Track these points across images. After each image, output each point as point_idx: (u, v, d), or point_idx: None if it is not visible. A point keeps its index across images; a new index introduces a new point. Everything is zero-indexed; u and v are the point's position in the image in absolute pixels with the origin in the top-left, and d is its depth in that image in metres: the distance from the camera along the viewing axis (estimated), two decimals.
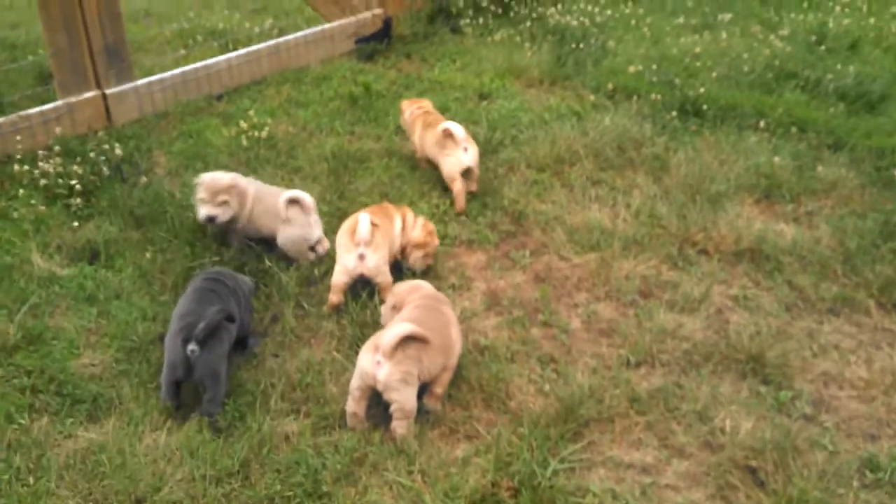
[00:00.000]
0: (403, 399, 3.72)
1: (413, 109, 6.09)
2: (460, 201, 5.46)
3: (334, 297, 4.55)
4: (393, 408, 3.75)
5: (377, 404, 3.88)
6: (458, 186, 5.47)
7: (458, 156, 5.49)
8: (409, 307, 4.05)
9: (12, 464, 3.62)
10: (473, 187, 5.63)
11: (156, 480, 3.54)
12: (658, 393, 4.05)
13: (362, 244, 4.48)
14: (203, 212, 4.82)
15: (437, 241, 4.92)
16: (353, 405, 3.81)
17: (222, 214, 4.83)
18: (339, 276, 4.54)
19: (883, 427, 3.91)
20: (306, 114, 6.69)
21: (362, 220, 4.49)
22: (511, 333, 4.46)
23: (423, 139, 5.82)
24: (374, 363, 3.70)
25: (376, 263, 4.53)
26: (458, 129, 5.52)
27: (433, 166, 5.79)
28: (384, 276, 4.57)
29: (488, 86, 7.21)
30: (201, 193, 4.84)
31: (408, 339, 3.71)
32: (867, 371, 4.22)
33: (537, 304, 4.67)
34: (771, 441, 3.74)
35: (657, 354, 4.29)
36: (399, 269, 4.84)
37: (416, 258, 4.85)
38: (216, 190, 4.82)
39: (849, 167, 5.94)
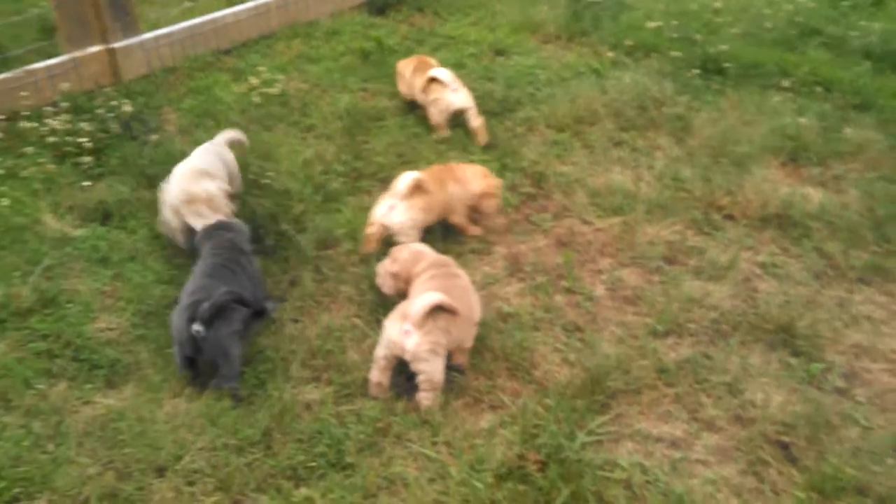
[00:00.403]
0: (432, 370, 3.64)
1: (408, 60, 6.10)
2: (481, 135, 5.62)
3: (364, 247, 4.57)
4: (420, 378, 3.67)
5: (400, 373, 3.80)
6: (442, 134, 5.63)
7: (447, 97, 5.57)
8: (424, 278, 3.93)
9: (32, 430, 3.55)
10: (482, 136, 5.65)
11: (177, 448, 3.47)
12: (686, 364, 3.97)
13: (396, 196, 4.44)
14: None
15: (496, 180, 4.87)
16: (378, 374, 3.73)
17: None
18: (370, 226, 4.55)
19: None
20: (318, 69, 6.52)
21: (406, 176, 4.47)
22: (534, 300, 4.37)
23: (414, 80, 5.86)
24: (402, 332, 3.61)
25: (401, 221, 4.47)
26: (443, 73, 5.60)
27: (421, 107, 5.89)
28: (406, 237, 4.47)
29: (504, 41, 7.03)
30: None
31: (437, 310, 3.61)
32: None
33: (560, 269, 4.57)
34: (803, 415, 3.67)
35: (685, 324, 4.20)
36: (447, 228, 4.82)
37: (489, 206, 4.79)
38: None
39: (877, 129, 5.80)
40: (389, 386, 3.78)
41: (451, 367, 3.84)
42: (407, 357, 3.63)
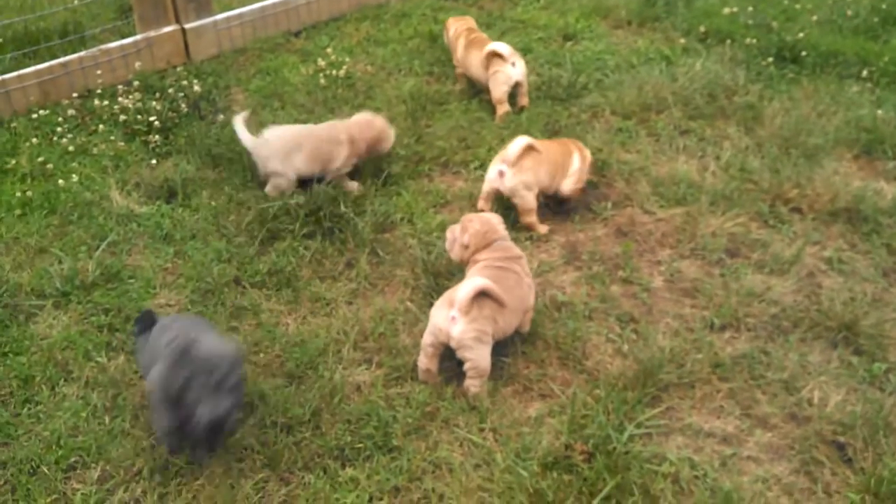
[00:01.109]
0: (478, 357, 3.63)
1: (457, 26, 6.16)
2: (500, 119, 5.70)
3: (479, 203, 4.78)
4: (467, 366, 3.66)
5: (450, 358, 3.80)
6: (503, 109, 5.68)
7: (507, 70, 5.59)
8: (478, 267, 3.91)
9: (90, 401, 3.67)
10: (524, 101, 5.79)
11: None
12: (742, 359, 3.88)
13: (506, 162, 4.56)
14: None
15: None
16: (426, 361, 3.74)
17: None
18: (483, 188, 4.76)
19: None
20: (385, 52, 6.54)
21: (518, 140, 4.58)
22: (590, 290, 4.32)
23: (466, 59, 5.92)
24: (448, 319, 3.60)
25: (513, 185, 4.59)
26: (503, 46, 5.62)
27: (473, 83, 5.99)
28: (521, 199, 4.63)
29: (573, 26, 6.94)
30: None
31: (483, 299, 3.60)
32: None
33: (618, 259, 4.51)
34: (861, 416, 3.56)
35: (743, 318, 4.10)
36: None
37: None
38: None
39: None
40: (439, 371, 3.78)
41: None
42: (453, 344, 3.62)
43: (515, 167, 4.57)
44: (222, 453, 3.44)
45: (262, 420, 3.57)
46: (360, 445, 3.50)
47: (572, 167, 4.78)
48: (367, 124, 5.05)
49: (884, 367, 3.83)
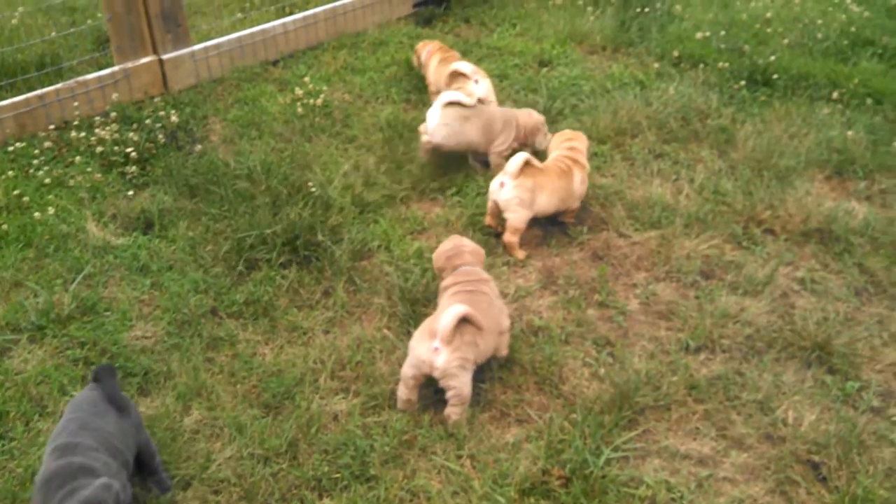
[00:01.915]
0: (461, 385, 3.64)
1: (430, 48, 6.31)
2: None
3: (486, 219, 4.90)
4: (450, 394, 3.66)
5: (427, 386, 3.81)
6: None
7: (469, 88, 5.61)
8: (449, 294, 3.93)
9: None
10: None
11: (204, 458, 3.54)
12: (717, 380, 3.91)
13: (507, 174, 4.68)
14: None
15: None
16: (407, 392, 3.73)
17: None
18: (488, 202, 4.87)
19: None
20: (362, 80, 6.58)
21: (518, 156, 4.69)
22: (566, 314, 4.34)
23: (440, 78, 6.00)
24: (430, 350, 3.60)
25: (507, 198, 4.68)
26: (465, 65, 5.73)
27: None
28: (513, 214, 4.70)
29: (549, 52, 7.01)
30: None
31: (463, 325, 3.62)
32: None
33: (594, 283, 4.54)
34: (835, 435, 3.59)
35: (718, 340, 4.13)
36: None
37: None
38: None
39: None
40: (417, 400, 3.79)
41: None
42: (436, 374, 3.62)
43: (517, 180, 4.66)
44: (198, 486, 3.43)
45: (238, 452, 3.57)
46: (338, 475, 3.50)
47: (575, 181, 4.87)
48: (528, 114, 5.49)
49: (857, 386, 3.87)
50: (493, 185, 4.76)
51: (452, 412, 3.69)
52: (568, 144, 5.00)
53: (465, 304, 3.69)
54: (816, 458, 3.53)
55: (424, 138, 5.36)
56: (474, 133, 5.31)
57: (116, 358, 4.01)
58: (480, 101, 5.71)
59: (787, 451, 3.56)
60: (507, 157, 4.93)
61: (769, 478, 3.48)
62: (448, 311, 3.62)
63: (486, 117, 5.35)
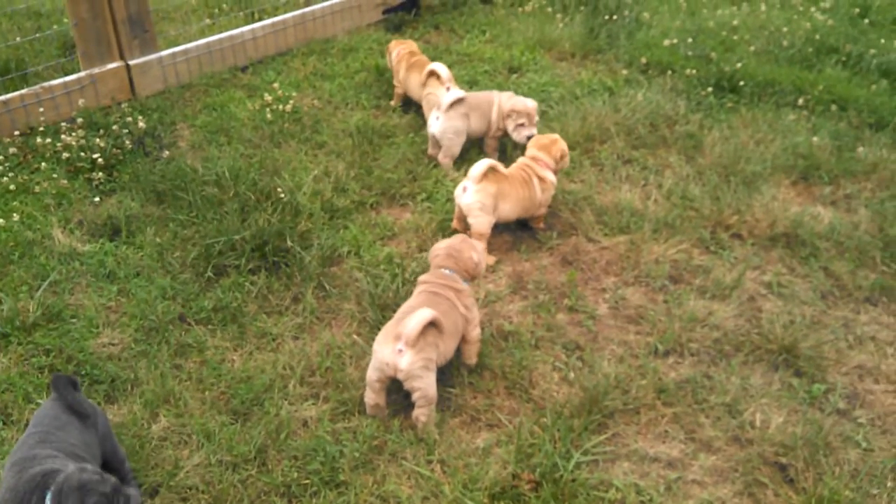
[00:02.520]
0: (426, 385, 3.63)
1: (400, 49, 6.37)
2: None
3: (454, 223, 4.93)
4: (416, 396, 3.66)
5: (398, 391, 3.80)
6: None
7: (439, 94, 5.66)
8: (416, 293, 3.95)
9: None
10: None
11: (172, 466, 3.50)
12: (686, 384, 3.94)
13: (471, 179, 4.69)
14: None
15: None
16: (374, 396, 3.72)
17: None
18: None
19: None
20: (332, 87, 6.57)
21: (481, 162, 4.71)
22: (536, 318, 4.35)
23: (407, 80, 6.17)
24: (394, 353, 3.60)
25: (468, 202, 4.70)
26: (443, 69, 5.73)
27: (415, 105, 6.23)
28: (475, 218, 4.70)
29: (518, 59, 7.04)
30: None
31: (427, 327, 3.62)
32: None
33: (564, 287, 4.56)
34: (802, 437, 3.63)
35: (686, 343, 4.16)
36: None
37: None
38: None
39: (891, 148, 5.74)
40: (386, 405, 3.78)
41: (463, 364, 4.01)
42: (400, 376, 3.61)
43: (479, 185, 4.67)
44: (166, 493, 3.40)
45: (206, 458, 3.53)
46: (307, 481, 3.47)
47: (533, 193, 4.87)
48: (520, 100, 5.52)
49: (823, 388, 3.91)
50: (458, 189, 4.78)
51: (420, 413, 3.69)
52: (532, 153, 4.98)
53: (426, 305, 3.70)
54: (784, 460, 3.57)
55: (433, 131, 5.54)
56: (476, 123, 5.55)
57: (83, 365, 3.96)
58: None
59: (754, 454, 3.59)
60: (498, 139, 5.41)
61: (737, 480, 3.51)
62: (415, 316, 3.61)
63: (481, 103, 5.54)
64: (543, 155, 4.96)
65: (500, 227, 4.87)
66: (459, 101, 5.42)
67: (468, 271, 4.03)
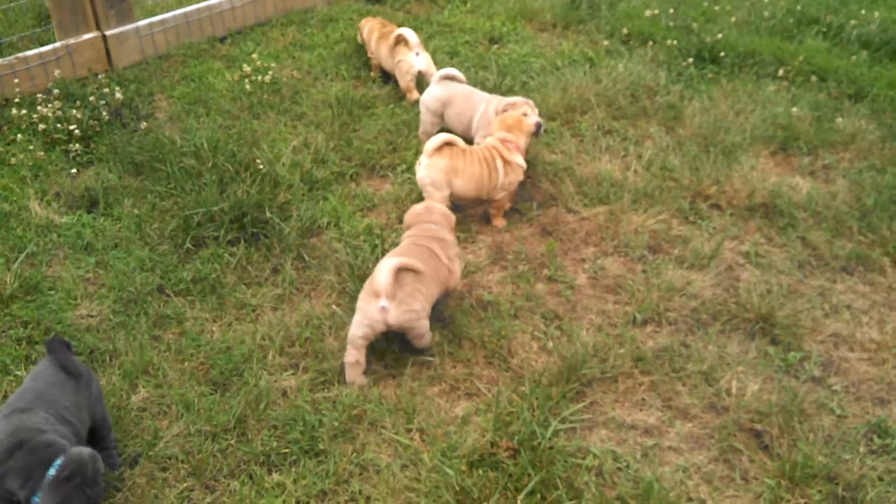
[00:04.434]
0: (420, 327, 3.81)
1: (371, 24, 6.40)
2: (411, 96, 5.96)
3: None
4: (411, 335, 3.84)
5: (377, 360, 3.81)
6: (412, 97, 5.93)
7: (410, 59, 5.85)
8: (397, 247, 4.07)
9: None
10: None
11: (151, 436, 3.50)
12: (664, 352, 3.97)
13: (426, 154, 4.69)
14: None
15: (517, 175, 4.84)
16: (356, 354, 3.78)
17: None
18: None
19: (893, 391, 3.82)
20: (311, 57, 6.53)
21: (437, 136, 4.69)
22: (515, 288, 4.37)
23: (378, 51, 6.18)
24: (379, 310, 3.68)
25: (421, 176, 4.70)
26: (411, 34, 5.85)
27: (387, 75, 6.26)
28: (427, 194, 4.70)
29: (499, 29, 7.01)
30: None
31: (402, 276, 3.71)
32: (879, 332, 4.12)
33: (543, 258, 4.57)
34: (777, 404, 3.66)
35: (664, 312, 4.19)
36: None
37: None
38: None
39: (869, 119, 5.76)
40: (366, 362, 3.82)
41: (438, 320, 4.08)
42: (393, 329, 3.77)
43: (429, 159, 4.67)
44: (145, 462, 3.40)
45: (186, 429, 3.54)
46: (287, 450, 3.49)
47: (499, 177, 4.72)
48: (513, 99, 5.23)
49: (798, 356, 3.95)
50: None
51: (421, 343, 3.90)
52: (501, 136, 4.81)
53: (404, 255, 3.80)
54: (759, 427, 3.60)
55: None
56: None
57: (61, 337, 3.94)
58: (421, 73, 5.78)
59: (730, 421, 3.63)
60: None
61: (713, 446, 3.55)
62: (381, 268, 3.68)
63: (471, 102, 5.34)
64: (513, 136, 4.82)
65: (458, 208, 4.81)
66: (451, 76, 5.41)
67: (450, 227, 4.21)
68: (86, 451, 2.90)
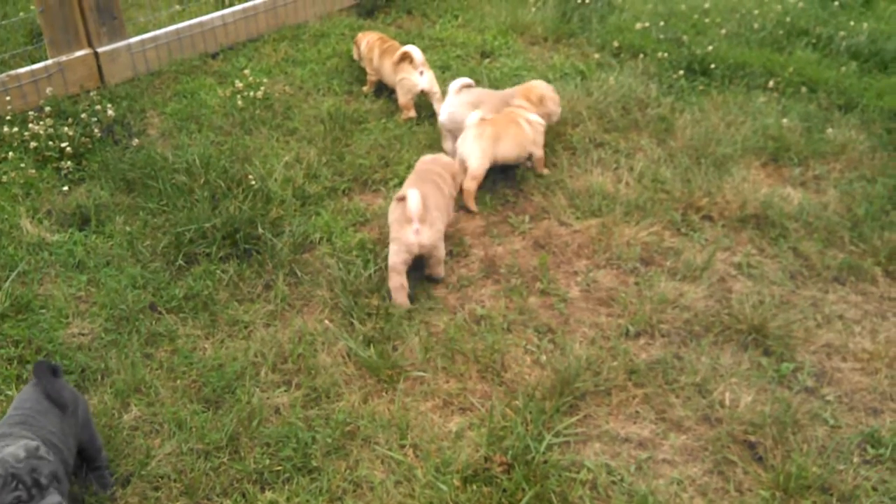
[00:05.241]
0: (440, 248, 4.37)
1: (369, 38, 6.37)
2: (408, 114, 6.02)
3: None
4: (432, 261, 4.37)
5: (369, 376, 3.80)
6: (407, 115, 5.98)
7: (413, 78, 5.88)
8: (408, 179, 4.66)
9: None
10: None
11: (143, 455, 3.49)
12: (657, 365, 3.96)
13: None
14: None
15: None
16: (399, 279, 4.24)
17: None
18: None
19: (886, 401, 3.82)
20: (303, 73, 6.53)
21: (471, 114, 5.17)
22: (508, 302, 4.37)
23: (382, 66, 6.15)
24: (414, 233, 4.20)
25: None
26: (417, 52, 5.87)
27: (387, 90, 6.28)
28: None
29: (491, 43, 7.03)
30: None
31: (427, 201, 4.24)
32: (871, 342, 4.12)
33: (536, 271, 4.57)
34: (771, 415, 3.66)
35: (657, 325, 4.19)
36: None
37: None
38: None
39: (859, 129, 5.78)
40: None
41: (429, 279, 4.48)
42: (424, 252, 4.27)
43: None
44: (137, 482, 3.39)
45: (178, 447, 3.53)
46: (279, 468, 3.48)
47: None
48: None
49: (791, 367, 3.95)
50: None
51: (438, 271, 4.45)
52: (519, 103, 5.40)
53: (413, 186, 4.33)
54: (753, 438, 3.60)
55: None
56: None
57: (53, 356, 3.94)
58: (423, 92, 5.79)
59: (724, 432, 3.63)
60: None
61: (707, 458, 3.54)
62: (410, 197, 4.17)
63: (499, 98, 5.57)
64: (527, 105, 5.36)
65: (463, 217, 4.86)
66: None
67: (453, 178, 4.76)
68: (20, 452, 2.84)
